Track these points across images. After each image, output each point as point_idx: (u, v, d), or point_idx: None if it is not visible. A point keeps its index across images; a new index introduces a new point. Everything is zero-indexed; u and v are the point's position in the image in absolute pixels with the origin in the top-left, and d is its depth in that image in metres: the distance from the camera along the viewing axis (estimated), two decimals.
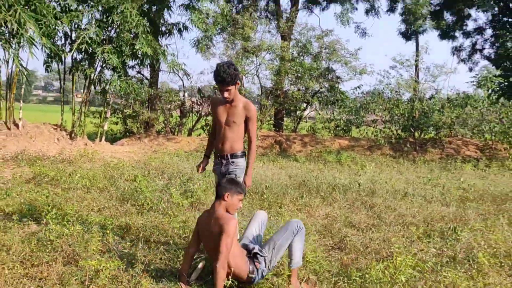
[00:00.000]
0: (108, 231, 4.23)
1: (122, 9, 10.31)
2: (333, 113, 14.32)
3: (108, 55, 10.47)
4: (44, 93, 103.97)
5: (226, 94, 3.66)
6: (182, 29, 12.42)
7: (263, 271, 3.40)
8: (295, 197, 6.58)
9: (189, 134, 14.33)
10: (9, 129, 10.54)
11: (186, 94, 15.02)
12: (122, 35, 10.80)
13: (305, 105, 15.22)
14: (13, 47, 9.63)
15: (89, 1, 10.71)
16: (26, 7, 9.57)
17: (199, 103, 14.19)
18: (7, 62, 10.20)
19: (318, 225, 5.22)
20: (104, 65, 11.52)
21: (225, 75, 3.60)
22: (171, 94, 13.50)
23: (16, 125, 10.77)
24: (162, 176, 7.54)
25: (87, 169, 8.78)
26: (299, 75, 13.49)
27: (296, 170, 9.72)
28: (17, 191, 6.11)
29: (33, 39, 9.00)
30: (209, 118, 14.22)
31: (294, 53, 14.14)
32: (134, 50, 10.88)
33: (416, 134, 13.37)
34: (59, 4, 10.87)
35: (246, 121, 3.84)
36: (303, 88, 14.24)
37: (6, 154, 9.60)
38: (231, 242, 3.17)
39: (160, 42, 12.70)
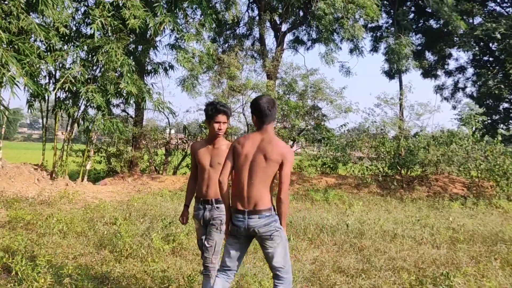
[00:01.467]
0: (80, 283, 3.96)
1: (107, 49, 10.28)
2: (319, 151, 14.28)
3: (92, 94, 10.36)
4: (30, 130, 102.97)
5: (222, 126, 3.60)
6: (168, 68, 12.44)
7: None
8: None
9: (174, 173, 14.09)
10: None
11: (172, 131, 14.89)
12: (107, 74, 10.74)
13: (291, 143, 15.18)
14: None
15: (74, 41, 10.68)
16: (10, 47, 9.49)
17: (184, 141, 14.05)
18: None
19: (306, 270, 5.00)
20: (88, 104, 11.39)
21: (227, 109, 3.64)
22: (155, 132, 13.36)
23: None
24: (143, 218, 7.27)
25: (66, 211, 8.48)
26: (285, 113, 13.51)
27: None
28: None
29: (14, 79, 8.86)
30: None
31: (280, 91, 14.22)
32: (119, 89, 10.79)
33: (402, 171, 13.34)
34: (44, 44, 10.84)
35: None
36: (289, 126, 14.24)
37: None
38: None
39: (145, 81, 12.67)
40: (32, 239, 5.80)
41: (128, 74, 10.71)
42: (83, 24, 10.58)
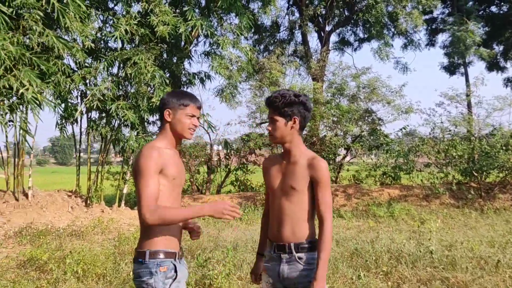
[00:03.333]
0: None
1: (136, 60, 9.34)
2: (378, 159, 12.66)
3: (124, 111, 9.43)
4: (86, 154, 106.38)
5: (268, 127, 2.48)
6: (204, 78, 11.37)
7: None
8: (349, 277, 4.95)
9: (218, 192, 12.95)
10: (17, 200, 9.49)
11: (217, 147, 13.81)
12: (139, 88, 9.81)
13: (345, 151, 13.67)
14: (20, 110, 8.77)
15: (100, 55, 9.84)
16: (33, 66, 8.74)
17: (227, 157, 12.90)
18: (15, 126, 9.29)
19: None
20: (121, 123, 10.50)
21: (276, 98, 2.43)
22: (195, 149, 12.30)
23: (26, 195, 9.73)
24: None
25: (97, 243, 7.53)
26: (336, 119, 12.06)
27: (344, 231, 8.07)
28: None
29: (37, 99, 8.03)
30: (239, 172, 12.85)
31: (329, 95, 12.79)
32: (151, 104, 9.82)
33: (478, 177, 11.45)
34: (73, 61, 10.10)
35: (313, 186, 2.41)
36: (342, 133, 12.77)
37: (11, 229, 8.46)
38: None
39: None
40: (42, 286, 4.74)
41: (161, 87, 9.71)
42: (110, 37, 9.70)
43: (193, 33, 9.51)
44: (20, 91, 7.75)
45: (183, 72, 11.30)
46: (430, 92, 16.14)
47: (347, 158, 14.07)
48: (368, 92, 12.33)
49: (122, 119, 9.70)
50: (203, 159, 12.91)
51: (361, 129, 13.22)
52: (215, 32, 10.12)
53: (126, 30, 9.26)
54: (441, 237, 7.01)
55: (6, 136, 9.45)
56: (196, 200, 11.75)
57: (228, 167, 12.96)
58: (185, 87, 11.51)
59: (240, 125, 13.29)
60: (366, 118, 13.08)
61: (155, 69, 9.40)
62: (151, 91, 10.27)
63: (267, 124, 2.53)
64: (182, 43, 11.36)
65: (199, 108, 2.44)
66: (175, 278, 2.24)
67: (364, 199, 11.57)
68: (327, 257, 2.34)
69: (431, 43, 18.16)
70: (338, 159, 13.66)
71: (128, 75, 9.57)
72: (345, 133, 12.77)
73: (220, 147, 13.33)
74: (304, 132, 12.94)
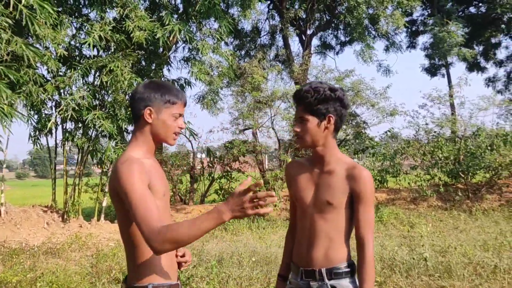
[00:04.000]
0: None
1: (111, 68, 8.96)
2: (364, 163, 12.46)
3: (100, 121, 9.02)
4: (67, 167, 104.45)
5: (296, 128, 2.00)
6: (184, 85, 11.02)
7: None
8: None
9: (202, 201, 12.57)
10: None
11: (198, 156, 13.42)
12: (116, 97, 9.41)
13: None
14: None
15: (74, 63, 9.42)
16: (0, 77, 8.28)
17: (210, 165, 12.54)
18: None
19: None
20: (98, 133, 10.09)
21: (308, 92, 1.95)
22: (177, 158, 11.91)
23: None
24: None
25: (74, 261, 7.11)
26: None
27: None
28: None
29: (3, 111, 7.59)
30: (223, 180, 12.50)
31: None
32: (129, 113, 9.43)
33: (464, 179, 11.33)
34: (47, 70, 9.65)
35: (354, 201, 1.98)
36: None
37: None
38: None
39: None
40: None
41: None
42: (83, 44, 9.31)
43: (171, 38, 9.16)
44: None
45: (162, 79, 10.93)
46: (413, 94, 16.14)
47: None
48: (352, 95, 12.14)
49: (99, 129, 9.29)
50: (185, 168, 12.52)
51: (345, 132, 13.02)
52: (194, 37, 9.80)
53: (100, 37, 8.88)
54: (433, 242, 6.80)
55: None
56: (179, 211, 11.36)
57: (212, 175, 12.60)
58: None
59: (223, 132, 12.93)
60: (350, 121, 12.88)
61: (132, 76, 9.04)
62: (128, 99, 9.89)
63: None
64: (161, 49, 11.01)
65: (185, 105, 1.93)
66: None
67: None
68: (372, 286, 1.92)
69: (411, 45, 18.16)
70: None
71: (104, 83, 9.18)
72: None
73: (203, 155, 12.97)
74: (288, 137, 12.72)
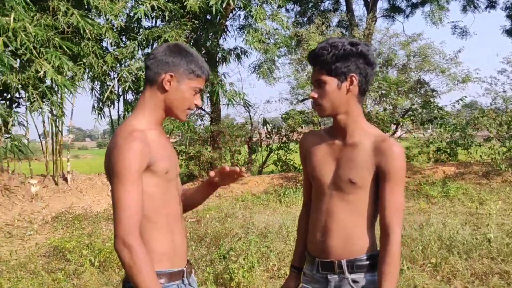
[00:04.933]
0: None
1: (166, 38, 8.96)
2: (431, 134, 11.63)
3: None
4: None
5: (313, 94, 1.68)
6: (240, 54, 10.81)
7: None
8: None
9: (260, 172, 12.51)
10: (56, 184, 9.53)
11: (256, 127, 13.32)
12: None
13: (394, 127, 12.70)
14: (54, 94, 8.67)
15: (132, 35, 9.53)
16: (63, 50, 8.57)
17: (268, 136, 12.40)
18: (52, 113, 9.23)
19: None
20: None
21: (324, 49, 1.63)
22: (233, 129, 11.86)
23: (65, 179, 9.76)
24: (202, 241, 5.63)
25: None
26: (383, 91, 11.12)
27: None
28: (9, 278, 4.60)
29: (65, 85, 7.85)
30: (281, 151, 12.31)
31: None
32: None
33: None
34: (110, 43, 9.88)
35: (380, 180, 1.65)
36: (390, 107, 11.82)
37: (49, 214, 8.49)
38: None
39: (218, 72, 11.24)
40: (59, 279, 4.49)
41: None
42: (137, 15, 9.33)
43: (225, 6, 8.92)
44: (50, 75, 7.57)
45: (218, 48, 10.80)
46: (490, 58, 14.71)
47: (397, 134, 13.11)
48: (420, 61, 11.26)
49: None
50: (243, 139, 12.47)
51: (412, 102, 12.19)
52: (249, 4, 9.48)
53: (153, 6, 8.86)
54: (502, 221, 6.18)
55: (43, 122, 9.44)
56: (236, 181, 11.37)
57: (270, 146, 12.46)
58: (221, 64, 11.04)
59: (280, 102, 12.62)
60: (418, 89, 12.02)
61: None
62: None
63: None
64: (218, 17, 10.85)
65: (207, 80, 1.73)
66: None
67: (415, 178, 10.68)
68: (395, 285, 1.60)
69: (491, 4, 16.44)
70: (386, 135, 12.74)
71: None
72: (394, 106, 11.81)
73: (261, 126, 12.83)
74: None
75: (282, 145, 12.18)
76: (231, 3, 8.91)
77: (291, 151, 11.96)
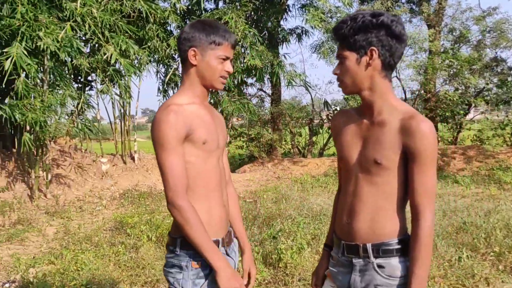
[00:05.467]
0: None
1: (226, 19, 9.02)
2: (507, 116, 10.79)
3: None
4: None
5: (335, 70, 1.63)
6: (301, 34, 10.63)
7: None
8: (447, 258, 4.11)
9: (321, 155, 12.36)
10: (125, 163, 10.06)
11: (324, 108, 13.12)
12: None
13: (466, 108, 11.94)
14: (120, 76, 9.08)
15: (193, 17, 9.70)
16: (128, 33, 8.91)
17: (329, 118, 12.17)
18: (120, 95, 9.70)
19: None
20: None
21: (344, 23, 1.56)
22: (293, 110, 11.77)
23: (133, 158, 10.27)
24: (256, 221, 5.68)
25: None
26: (455, 70, 10.43)
27: (456, 200, 6.97)
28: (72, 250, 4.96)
29: (128, 68, 8.16)
30: None
31: (446, 43, 11.11)
32: (245, 65, 9.49)
33: None
34: (172, 27, 10.16)
35: (408, 160, 1.55)
36: (462, 87, 11.10)
37: (117, 191, 9.00)
38: None
39: (278, 53, 11.17)
40: (119, 252, 4.77)
41: (254, 47, 9.30)
42: None
43: None
44: (114, 59, 7.91)
45: (279, 28, 10.70)
46: None
47: (469, 116, 12.33)
48: (496, 37, 10.40)
49: None
50: (304, 121, 12.35)
51: (487, 81, 11.35)
52: None
53: None
54: None
55: (113, 103, 9.93)
56: (296, 163, 11.34)
57: (330, 128, 12.23)
58: (281, 44, 10.94)
59: None
60: (494, 67, 11.16)
61: (245, 28, 8.98)
62: (246, 52, 9.92)
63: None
64: None
65: (234, 47, 1.76)
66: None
67: (488, 162, 10.02)
68: (426, 273, 1.52)
69: None
70: (458, 118, 11.98)
71: None
72: (466, 86, 11.07)
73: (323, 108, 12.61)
74: (416, 87, 11.57)
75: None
76: None
77: None
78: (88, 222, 6.66)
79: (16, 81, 7.03)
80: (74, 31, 7.68)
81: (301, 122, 12.32)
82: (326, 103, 11.53)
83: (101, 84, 8.72)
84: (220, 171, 1.78)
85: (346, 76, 1.60)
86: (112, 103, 9.81)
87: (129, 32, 8.55)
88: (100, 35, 7.45)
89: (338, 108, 11.97)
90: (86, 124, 8.13)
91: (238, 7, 9.42)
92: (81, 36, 7.70)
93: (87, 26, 7.49)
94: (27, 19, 6.82)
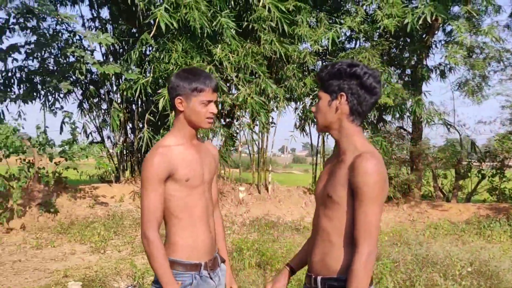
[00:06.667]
0: None
1: (359, 58, 9.16)
2: None
3: None
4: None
5: (312, 108, 1.90)
6: (444, 71, 10.09)
7: None
8: None
9: (468, 200, 11.25)
10: (259, 192, 10.77)
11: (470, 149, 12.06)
12: None
13: None
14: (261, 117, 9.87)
15: (328, 58, 10.09)
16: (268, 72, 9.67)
17: (480, 160, 11.06)
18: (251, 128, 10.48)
19: None
20: None
21: (325, 67, 1.80)
22: (435, 150, 11.02)
23: (267, 189, 10.93)
24: None
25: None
26: None
27: None
28: None
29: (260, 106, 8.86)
30: (496, 179, 10.85)
31: None
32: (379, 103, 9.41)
33: None
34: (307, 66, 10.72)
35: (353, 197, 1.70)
36: None
37: (248, 218, 9.68)
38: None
39: (421, 90, 10.79)
40: None
41: (388, 84, 9.23)
42: (325, 39, 9.73)
43: (420, 22, 8.56)
44: (249, 100, 8.69)
45: (419, 65, 10.35)
46: None
47: None
48: None
49: None
50: (450, 162, 11.45)
51: None
52: (448, 18, 8.83)
53: (350, 28, 9.19)
54: None
55: (252, 136, 10.80)
56: (435, 207, 10.55)
57: (482, 172, 11.09)
58: (421, 81, 10.53)
59: (494, 123, 11.13)
60: None
61: (378, 66, 8.98)
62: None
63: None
64: (421, 34, 10.46)
65: (216, 90, 1.99)
66: None
67: None
68: None
69: None
70: None
71: None
72: None
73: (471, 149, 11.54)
74: None
75: (496, 171, 10.71)
76: (429, 19, 8.50)
77: (506, 179, 10.41)
78: None
79: (169, 116, 8.35)
80: (219, 73, 8.77)
81: (445, 163, 11.46)
82: (473, 144, 10.53)
83: (238, 120, 9.64)
84: (205, 202, 2.03)
85: (319, 115, 1.79)
86: (252, 136, 10.70)
87: (263, 72, 9.29)
88: (233, 76, 8.34)
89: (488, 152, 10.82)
90: (223, 155, 9.08)
91: (374, 46, 9.48)
92: (222, 77, 8.71)
93: (227, 68, 8.50)
94: (179, 64, 8.10)
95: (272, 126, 10.88)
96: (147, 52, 9.71)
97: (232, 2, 8.83)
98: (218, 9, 8.38)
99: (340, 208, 1.68)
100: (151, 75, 8.56)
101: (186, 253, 1.95)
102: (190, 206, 1.97)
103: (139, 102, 10.69)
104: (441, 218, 9.89)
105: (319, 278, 1.74)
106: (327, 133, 1.85)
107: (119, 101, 10.58)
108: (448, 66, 10.14)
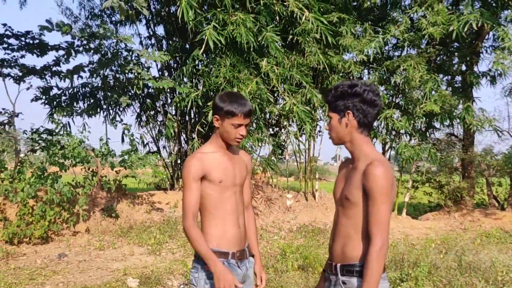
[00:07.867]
0: None
1: (404, 67, 9.24)
2: None
3: (392, 120, 9.45)
4: None
5: (326, 127, 2.21)
6: (495, 76, 9.89)
7: None
8: None
9: None
10: (306, 199, 11.01)
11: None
12: (409, 95, 9.64)
13: None
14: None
15: (372, 67, 10.21)
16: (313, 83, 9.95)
17: None
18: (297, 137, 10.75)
19: None
20: (392, 129, 10.52)
21: (329, 91, 2.14)
22: (487, 157, 10.76)
23: (314, 196, 11.15)
24: (393, 262, 5.69)
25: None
26: None
27: None
28: None
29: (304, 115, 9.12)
30: None
31: None
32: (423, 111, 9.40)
33: None
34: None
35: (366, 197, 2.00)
36: None
37: (295, 224, 9.94)
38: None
39: (472, 96, 10.63)
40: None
41: (433, 92, 9.21)
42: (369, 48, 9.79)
43: (465, 29, 8.52)
44: (296, 109, 8.99)
45: (468, 71, 10.22)
46: None
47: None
48: None
49: (393, 126, 9.71)
50: (506, 170, 11.13)
51: None
52: (497, 24, 8.70)
53: (394, 36, 9.28)
54: None
55: (299, 145, 11.11)
56: (488, 215, 10.30)
57: None
58: (470, 88, 10.38)
59: None
60: None
61: (423, 74, 9.01)
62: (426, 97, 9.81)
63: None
64: (469, 40, 10.35)
65: (248, 115, 2.31)
66: None
67: None
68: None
69: None
70: None
71: (396, 82, 9.56)
72: None
73: None
74: None
75: None
76: (474, 26, 8.44)
77: None
78: (262, 248, 7.72)
79: None
80: (265, 84, 9.16)
81: (500, 170, 11.15)
82: None
83: (285, 129, 9.96)
84: (236, 201, 2.41)
85: (332, 132, 2.14)
86: (298, 146, 11.00)
87: (310, 83, 9.55)
88: (279, 87, 8.69)
89: None
90: (270, 163, 9.43)
91: (419, 54, 9.51)
92: (269, 88, 9.08)
93: (273, 79, 8.86)
94: (227, 78, 8.58)
95: (319, 135, 11.11)
96: (198, 67, 10.31)
97: (277, 17, 9.20)
98: (265, 24, 8.79)
99: (356, 208, 2.01)
100: (202, 88, 9.10)
101: (216, 242, 2.32)
102: (222, 204, 2.35)
103: (192, 114, 11.29)
104: (493, 226, 9.66)
105: (338, 265, 2.07)
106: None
107: (173, 113, 11.25)
108: (497, 71, 9.93)
